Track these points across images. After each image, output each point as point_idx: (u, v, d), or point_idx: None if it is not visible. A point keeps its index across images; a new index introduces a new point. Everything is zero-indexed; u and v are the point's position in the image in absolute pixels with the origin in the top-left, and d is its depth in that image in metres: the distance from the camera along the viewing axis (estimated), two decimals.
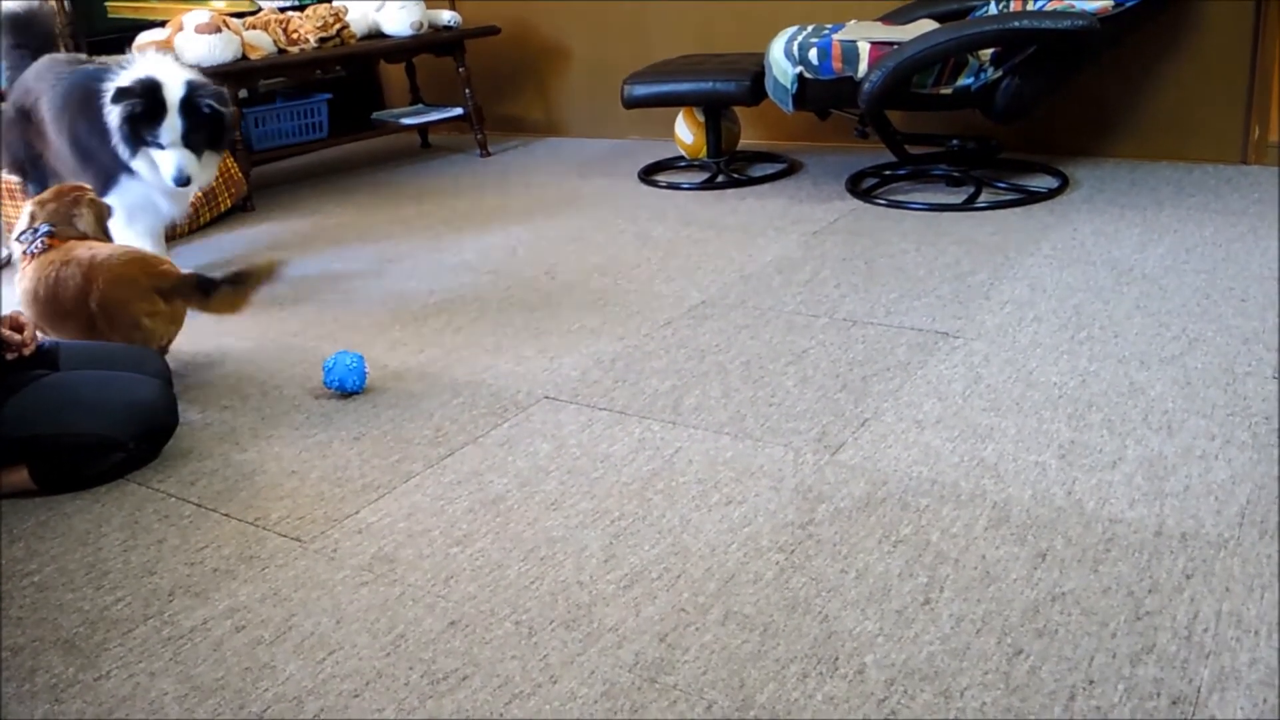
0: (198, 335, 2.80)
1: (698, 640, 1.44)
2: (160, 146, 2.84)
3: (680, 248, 3.21)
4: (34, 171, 3.20)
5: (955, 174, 3.53)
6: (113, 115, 2.83)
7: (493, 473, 1.94)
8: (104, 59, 3.06)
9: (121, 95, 2.79)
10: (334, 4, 4.65)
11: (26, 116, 3.14)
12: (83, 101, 2.92)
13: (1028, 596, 1.47)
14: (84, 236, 2.54)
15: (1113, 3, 3.02)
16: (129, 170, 2.91)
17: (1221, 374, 2.09)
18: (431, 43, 4.76)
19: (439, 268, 3.22)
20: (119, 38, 4.55)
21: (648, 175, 4.13)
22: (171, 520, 1.89)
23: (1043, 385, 2.10)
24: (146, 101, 2.81)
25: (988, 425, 1.96)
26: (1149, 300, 2.48)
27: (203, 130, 2.88)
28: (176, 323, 2.52)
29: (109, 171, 2.94)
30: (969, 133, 3.63)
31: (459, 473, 1.96)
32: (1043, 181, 3.52)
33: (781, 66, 3.34)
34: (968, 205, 3.34)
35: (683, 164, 4.20)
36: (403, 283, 3.11)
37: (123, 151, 2.87)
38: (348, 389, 2.32)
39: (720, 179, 3.94)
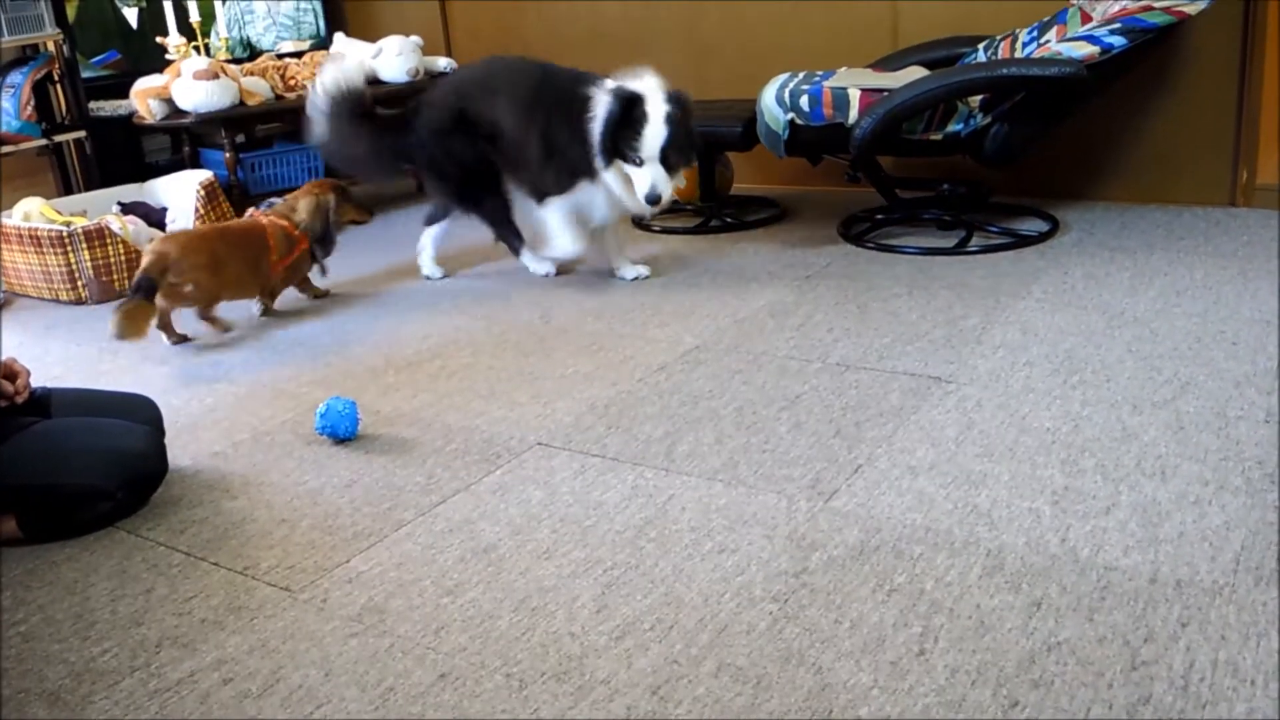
0: (190, 380, 2.79)
1: (690, 693, 1.43)
2: (638, 162, 2.95)
3: (674, 292, 3.21)
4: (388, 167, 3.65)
5: (946, 218, 3.55)
6: (595, 123, 2.97)
7: (485, 521, 1.93)
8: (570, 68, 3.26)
9: (613, 104, 2.93)
10: (331, 51, 4.69)
11: (461, 115, 3.30)
12: (561, 104, 3.04)
13: (1023, 646, 1.46)
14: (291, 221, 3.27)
15: (1099, 49, 3.05)
16: (591, 175, 3.04)
17: (1214, 418, 2.09)
18: (427, 89, 4.79)
19: (433, 312, 3.23)
20: (114, 83, 4.59)
21: (641, 218, 4.15)
22: (160, 569, 1.87)
23: (1035, 430, 2.10)
24: (630, 114, 2.92)
25: (981, 471, 1.96)
26: (1140, 344, 2.48)
27: (676, 147, 2.97)
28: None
29: (573, 172, 3.08)
30: (960, 177, 3.65)
31: (450, 521, 1.94)
32: (1033, 225, 3.54)
33: (773, 113, 3.37)
34: (959, 249, 3.35)
35: (676, 207, 4.22)
36: (396, 328, 3.11)
37: (596, 159, 2.99)
38: (340, 435, 2.31)
39: (713, 223, 3.96)
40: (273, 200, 3.40)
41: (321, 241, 3.35)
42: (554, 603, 1.66)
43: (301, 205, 3.32)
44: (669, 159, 2.96)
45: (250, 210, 3.37)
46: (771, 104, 3.38)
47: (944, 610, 1.56)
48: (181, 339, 3.14)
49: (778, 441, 2.15)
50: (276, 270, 3.26)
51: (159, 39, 4.44)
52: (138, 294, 2.84)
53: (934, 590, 1.61)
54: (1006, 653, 1.45)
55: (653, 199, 2.94)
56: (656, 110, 2.93)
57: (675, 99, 2.97)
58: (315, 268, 3.42)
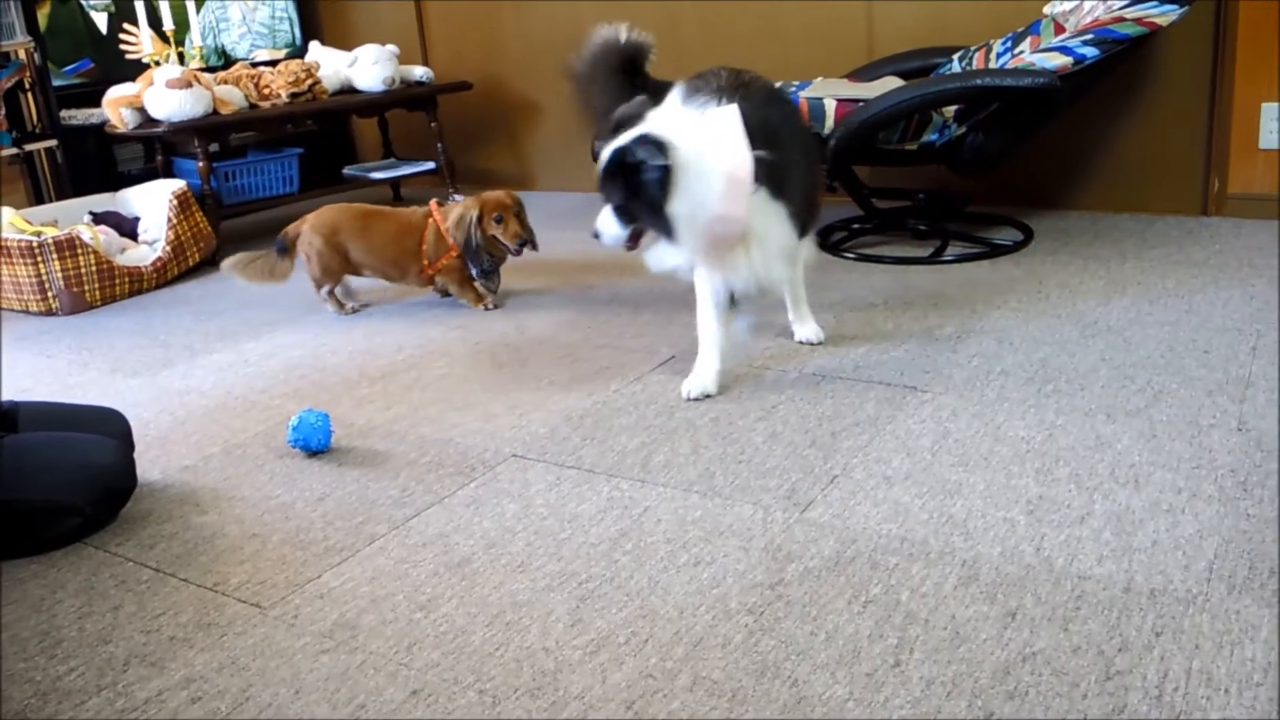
0: (160, 392, 2.77)
1: (665, 707, 1.41)
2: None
3: (650, 302, 3.21)
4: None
5: (922, 228, 3.56)
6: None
7: (458, 534, 1.92)
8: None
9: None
10: (306, 59, 4.67)
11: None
12: (791, 115, 2.73)
13: (998, 657, 1.46)
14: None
15: (1072, 60, 3.07)
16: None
17: (1187, 427, 2.09)
18: (404, 98, 4.78)
19: (408, 322, 3.21)
20: (86, 91, 4.55)
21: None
22: (128, 586, 1.85)
23: (1010, 439, 2.10)
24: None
25: (956, 481, 1.96)
26: (1114, 353, 2.49)
27: (614, 193, 2.35)
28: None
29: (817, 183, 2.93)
30: (935, 187, 3.67)
31: (424, 534, 1.93)
32: (1008, 235, 3.56)
33: None
34: (935, 259, 3.36)
35: None
36: (370, 339, 3.09)
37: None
38: (312, 448, 2.29)
39: None
40: (457, 197, 3.36)
41: (470, 255, 3.18)
42: (528, 617, 1.65)
43: (452, 212, 3.21)
44: (611, 203, 2.33)
45: (432, 201, 3.31)
46: None
47: (919, 621, 1.55)
48: (353, 309, 3.38)
49: (753, 452, 2.14)
50: (426, 271, 3.25)
51: (122, 34, 4.40)
52: (276, 251, 3.24)
53: (909, 601, 1.60)
54: (981, 663, 1.45)
55: (594, 233, 2.42)
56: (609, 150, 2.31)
57: (640, 147, 2.21)
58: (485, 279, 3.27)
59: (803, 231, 2.54)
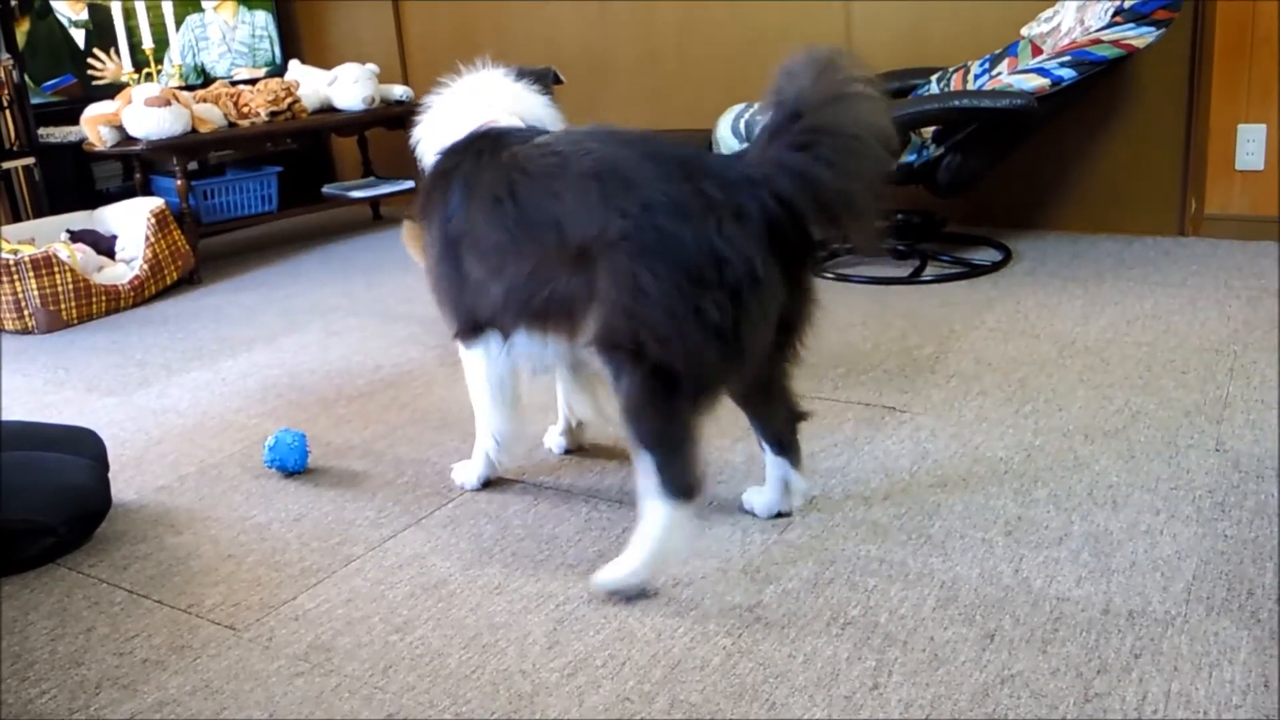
0: (136, 412, 2.74)
1: None
2: None
3: None
4: None
5: (901, 247, 3.57)
6: None
7: (435, 555, 1.90)
8: None
9: None
10: (286, 78, 4.66)
11: None
12: None
13: (976, 679, 1.45)
14: None
15: (1049, 82, 3.10)
16: None
17: (1165, 447, 2.10)
18: (383, 117, 4.78)
19: (387, 341, 3.19)
20: (64, 109, 4.53)
21: None
22: (101, 607, 1.83)
23: (989, 459, 2.11)
24: None
25: (934, 501, 1.96)
26: (1092, 373, 2.50)
27: None
28: None
29: None
30: (914, 207, 3.68)
31: (401, 556, 1.91)
32: (986, 255, 3.57)
33: (729, 143, 3.38)
34: (913, 279, 3.37)
35: None
36: (349, 357, 3.07)
37: None
38: (288, 468, 2.27)
39: None
40: None
41: None
42: (505, 639, 1.63)
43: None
44: None
45: (406, 220, 3.25)
46: (727, 134, 3.39)
47: (898, 643, 1.55)
48: None
49: (732, 472, 2.14)
50: None
51: (91, 59, 4.38)
52: None
53: (888, 623, 1.60)
54: (960, 686, 1.44)
55: None
56: None
57: None
58: None
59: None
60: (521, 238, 1.77)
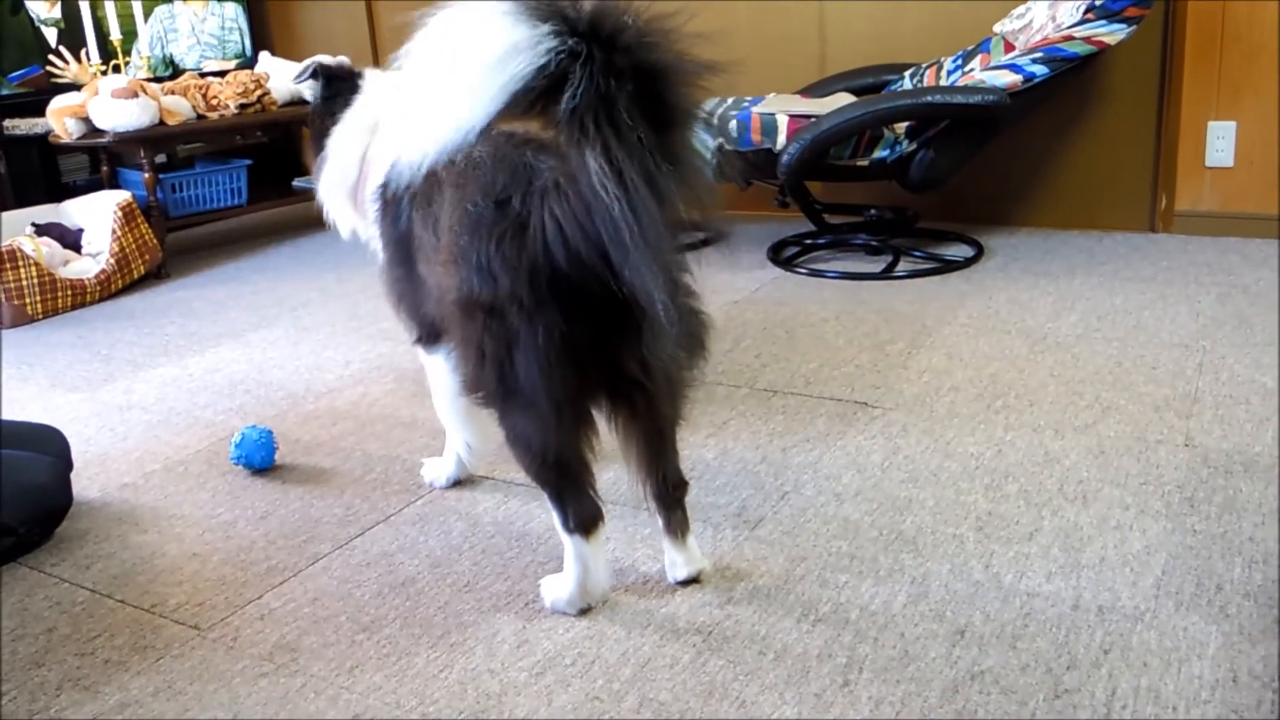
0: (101, 408, 2.70)
1: None
2: None
3: None
4: None
5: (874, 243, 3.57)
6: None
7: (404, 553, 1.88)
8: None
9: None
10: (255, 70, 4.61)
11: None
12: None
13: (947, 676, 1.45)
14: None
15: (1022, 78, 3.10)
16: None
17: (1134, 442, 2.11)
18: None
19: (356, 337, 3.16)
20: (30, 101, 4.46)
21: None
22: (63, 607, 1.79)
23: (960, 455, 2.10)
24: None
25: (906, 497, 1.95)
26: (1062, 369, 2.51)
27: None
28: None
29: None
30: (887, 202, 3.68)
31: (369, 554, 1.89)
32: (959, 250, 3.58)
33: (701, 138, 3.36)
34: (886, 274, 3.37)
35: None
36: (318, 353, 3.04)
37: None
38: (255, 466, 2.24)
39: None
40: None
41: None
42: (473, 638, 1.62)
43: None
44: None
45: None
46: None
47: (868, 640, 1.54)
48: None
49: (704, 469, 2.13)
50: None
51: (54, 56, 4.32)
52: None
53: (859, 620, 1.59)
54: (930, 682, 1.44)
55: None
56: None
57: None
58: None
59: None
60: (438, 244, 1.68)
